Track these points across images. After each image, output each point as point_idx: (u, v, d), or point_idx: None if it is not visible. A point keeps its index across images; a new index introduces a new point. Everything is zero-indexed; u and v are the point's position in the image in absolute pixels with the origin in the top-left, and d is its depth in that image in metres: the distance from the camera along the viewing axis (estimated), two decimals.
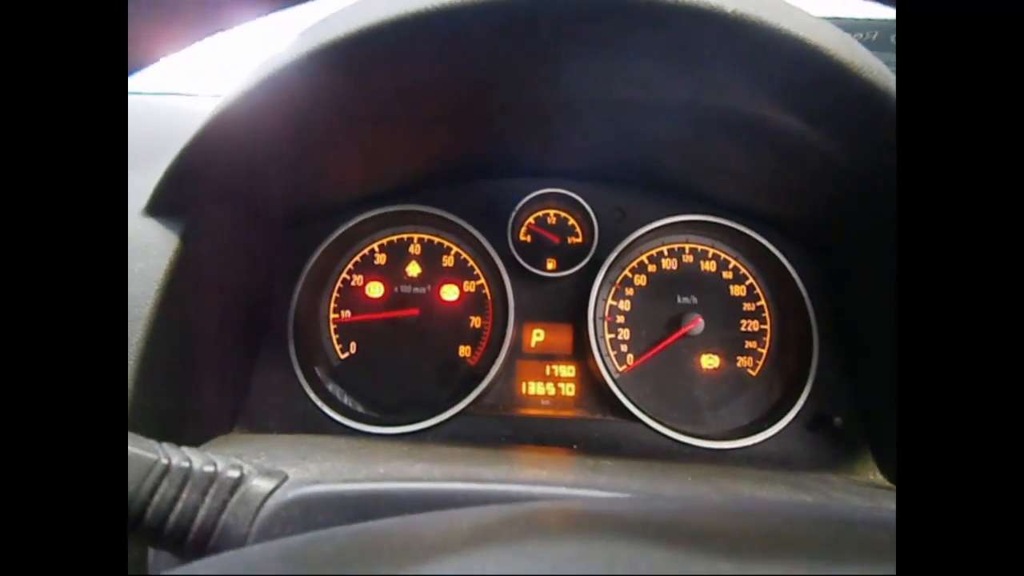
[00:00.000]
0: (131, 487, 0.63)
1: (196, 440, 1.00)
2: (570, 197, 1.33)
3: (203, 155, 0.93)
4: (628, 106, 1.02)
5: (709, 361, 1.33)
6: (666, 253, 1.38)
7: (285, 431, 1.18)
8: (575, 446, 1.15)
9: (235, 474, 0.67)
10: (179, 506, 0.64)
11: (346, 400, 1.29)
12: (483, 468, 0.74)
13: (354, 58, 0.81)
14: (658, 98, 0.97)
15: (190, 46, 0.59)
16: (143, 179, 0.96)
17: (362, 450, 0.87)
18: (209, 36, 0.58)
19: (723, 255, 1.39)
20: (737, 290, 1.37)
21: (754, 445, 1.18)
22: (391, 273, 1.37)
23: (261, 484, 0.68)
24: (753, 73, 0.84)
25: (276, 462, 0.75)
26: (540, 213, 1.40)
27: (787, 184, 1.17)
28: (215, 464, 0.67)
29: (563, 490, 0.66)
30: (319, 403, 1.21)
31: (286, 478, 0.69)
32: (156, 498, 0.63)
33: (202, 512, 0.65)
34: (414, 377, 1.32)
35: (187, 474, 0.65)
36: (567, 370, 1.34)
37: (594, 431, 1.22)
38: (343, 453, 0.85)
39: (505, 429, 1.22)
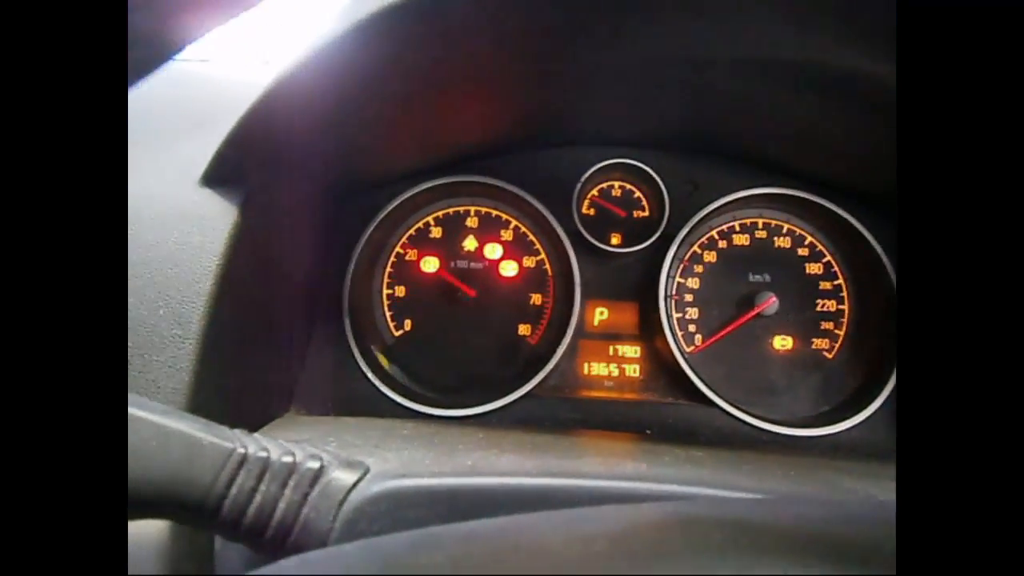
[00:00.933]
0: (207, 477, 0.58)
1: (257, 421, 0.96)
2: (638, 168, 1.26)
3: (261, 125, 0.88)
4: (703, 63, 0.94)
5: (782, 343, 1.26)
6: (738, 228, 1.30)
7: (342, 411, 1.13)
8: (649, 431, 1.09)
9: (315, 465, 0.62)
10: (258, 498, 0.59)
11: (403, 380, 1.24)
12: (575, 461, 0.69)
13: (410, 24, 0.75)
14: (736, 53, 0.88)
15: (237, 15, 0.54)
16: (194, 148, 0.91)
17: (436, 437, 0.82)
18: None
19: (799, 231, 1.30)
20: (813, 268, 1.29)
21: (839, 433, 1.11)
22: (447, 247, 1.31)
23: (343, 476, 0.63)
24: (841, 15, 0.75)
25: (350, 450, 0.70)
26: (604, 185, 1.32)
27: (875, 148, 1.07)
28: (294, 454, 0.62)
29: (673, 487, 0.60)
30: (377, 383, 1.17)
31: (368, 470, 0.65)
32: (234, 489, 0.59)
33: (282, 505, 0.60)
34: (472, 356, 1.27)
35: (265, 464, 0.61)
36: (632, 350, 1.28)
37: (667, 416, 1.16)
38: (417, 440, 0.80)
39: (572, 412, 1.16)
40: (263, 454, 0.61)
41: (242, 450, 0.60)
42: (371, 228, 1.25)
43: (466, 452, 0.73)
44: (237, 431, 0.63)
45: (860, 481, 0.75)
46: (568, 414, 1.16)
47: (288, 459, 0.62)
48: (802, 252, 1.29)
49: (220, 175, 0.90)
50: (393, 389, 1.17)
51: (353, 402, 1.16)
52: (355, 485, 0.62)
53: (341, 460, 0.66)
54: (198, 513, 0.59)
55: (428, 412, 1.14)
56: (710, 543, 0.39)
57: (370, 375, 1.17)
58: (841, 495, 0.67)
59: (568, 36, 0.88)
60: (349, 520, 0.60)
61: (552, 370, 1.20)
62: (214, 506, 0.58)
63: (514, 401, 1.15)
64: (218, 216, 0.88)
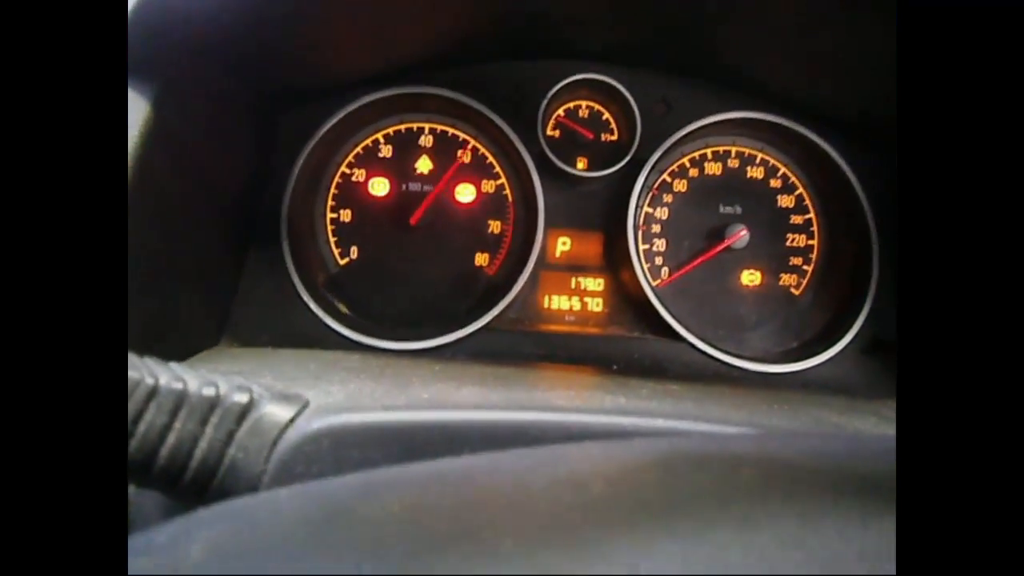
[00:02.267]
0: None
1: (179, 354, 0.84)
2: (608, 87, 1.15)
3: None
4: None
5: (750, 278, 1.21)
6: (710, 156, 1.23)
7: (280, 345, 1.03)
8: (615, 367, 1.02)
9: (242, 398, 0.53)
10: (171, 437, 0.50)
11: (349, 312, 1.14)
12: (545, 393, 0.61)
13: None
14: None
15: None
16: None
17: (387, 370, 0.73)
18: None
19: (772, 160, 1.23)
20: (785, 200, 1.23)
21: (807, 369, 1.07)
22: (398, 168, 1.19)
23: (276, 411, 0.54)
24: None
25: (287, 383, 0.60)
26: (571, 105, 1.21)
27: (869, 65, 0.98)
28: (216, 385, 0.52)
29: (659, 422, 0.53)
30: (319, 312, 1.06)
31: (307, 404, 0.55)
32: (141, 427, 0.49)
33: (203, 445, 0.50)
34: (425, 288, 1.18)
35: (181, 397, 0.50)
36: (595, 283, 1.21)
37: (634, 350, 1.09)
38: (365, 373, 0.71)
39: (534, 346, 1.09)
40: (177, 385, 0.50)
41: (151, 380, 0.49)
42: (312, 143, 1.12)
43: (421, 385, 0.64)
44: (146, 359, 0.52)
45: (843, 416, 0.70)
46: (529, 348, 1.08)
47: (209, 391, 0.51)
48: (774, 183, 1.23)
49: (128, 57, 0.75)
50: (338, 320, 1.06)
51: (293, 335, 1.05)
52: (291, 421, 0.53)
53: (274, 393, 0.56)
54: None
55: (377, 345, 1.05)
56: (736, 482, 0.31)
57: (312, 305, 1.06)
58: (831, 430, 0.61)
59: None
60: (284, 461, 0.51)
61: (511, 302, 1.12)
62: None
63: (471, 334, 1.07)
64: (129, 108, 0.74)
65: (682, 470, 0.34)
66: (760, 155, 1.23)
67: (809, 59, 1.03)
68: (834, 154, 1.16)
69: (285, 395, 0.56)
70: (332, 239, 1.19)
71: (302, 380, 0.66)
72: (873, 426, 0.69)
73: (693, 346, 1.08)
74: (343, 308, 1.15)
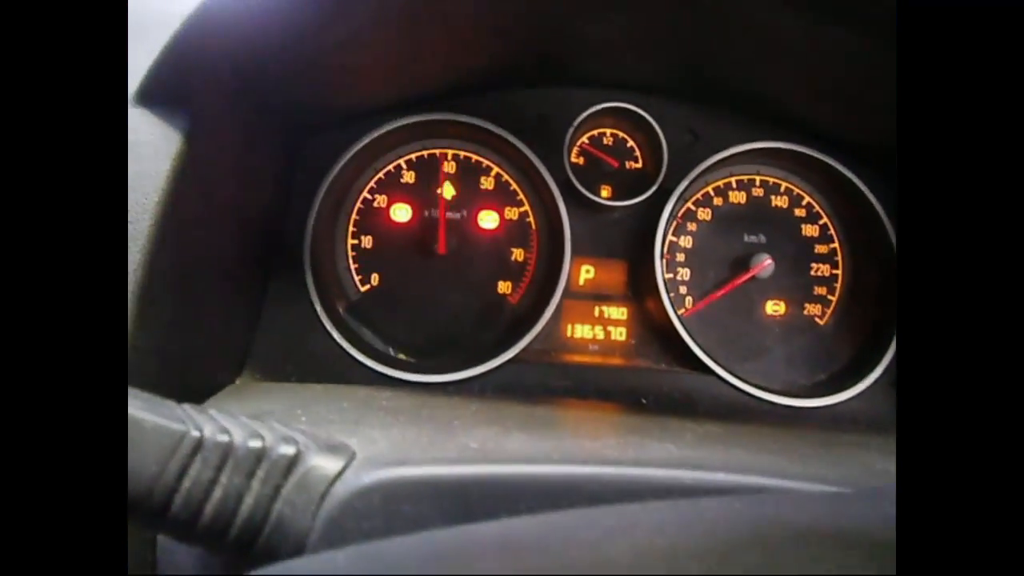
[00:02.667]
0: (152, 467, 0.46)
1: (203, 388, 0.83)
2: (632, 114, 1.14)
3: (208, 34, 0.72)
4: None
5: (774, 308, 1.19)
6: (735, 185, 1.22)
7: (304, 378, 1.01)
8: (644, 401, 1.01)
9: (289, 450, 0.51)
10: (218, 492, 0.48)
11: (372, 341, 1.12)
12: (594, 442, 0.59)
13: None
14: None
15: None
16: (133, 57, 0.75)
17: (423, 411, 0.71)
18: None
19: (797, 189, 1.22)
20: (809, 230, 1.22)
21: (837, 404, 1.06)
22: (421, 194, 1.18)
23: (324, 464, 0.52)
24: None
25: (326, 427, 0.59)
26: (595, 132, 1.21)
27: (886, 92, 0.98)
28: (262, 436, 0.50)
29: (720, 476, 0.51)
30: (344, 343, 1.04)
31: (354, 455, 0.53)
32: (187, 482, 0.47)
33: (249, 500, 0.48)
34: (446, 317, 1.16)
35: (227, 450, 0.49)
36: (619, 312, 1.19)
37: (663, 383, 1.07)
38: (403, 415, 0.69)
39: (561, 379, 1.07)
40: (223, 438, 0.49)
41: (196, 433, 0.48)
42: (336, 169, 1.11)
43: (465, 430, 0.62)
44: (187, 407, 0.50)
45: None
46: (557, 381, 1.06)
47: (255, 443, 0.50)
48: (799, 212, 1.22)
49: (159, 92, 0.74)
50: (363, 351, 1.04)
51: (316, 366, 1.03)
52: (340, 475, 0.51)
53: (320, 443, 0.54)
54: (141, 511, 0.47)
55: (403, 378, 1.03)
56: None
57: (336, 335, 1.04)
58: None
59: None
60: (333, 518, 0.49)
61: (539, 332, 1.10)
62: (162, 502, 0.46)
63: (498, 367, 1.05)
64: (158, 142, 0.72)
65: (780, 546, 0.33)
66: (784, 184, 1.23)
67: (833, 91, 1.03)
68: (859, 183, 1.15)
69: (331, 445, 0.54)
70: (353, 265, 1.17)
71: (340, 424, 0.64)
72: None
73: (722, 379, 1.06)
74: (367, 337, 1.13)
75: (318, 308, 1.05)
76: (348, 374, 1.03)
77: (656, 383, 1.07)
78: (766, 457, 0.59)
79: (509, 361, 1.05)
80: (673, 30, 0.99)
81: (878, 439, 0.83)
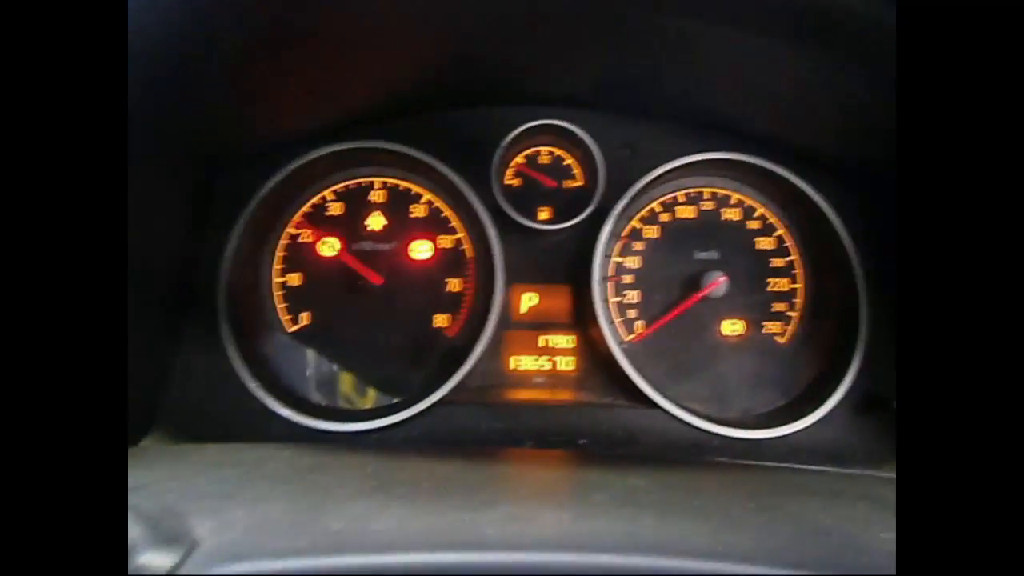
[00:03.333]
0: None
1: None
2: (568, 131, 1.08)
3: None
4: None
5: (731, 328, 1.12)
6: (682, 199, 1.15)
7: (217, 433, 0.93)
8: (583, 442, 0.93)
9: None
10: None
11: (294, 387, 1.05)
12: (480, 513, 0.52)
13: None
14: None
15: None
16: None
17: (314, 473, 0.65)
18: None
19: (748, 201, 1.16)
20: (764, 243, 1.15)
21: (794, 434, 0.98)
22: (349, 226, 1.11)
23: (152, 561, 0.45)
24: None
25: (189, 505, 0.52)
26: (531, 151, 1.14)
27: (837, 101, 0.92)
28: None
29: (605, 559, 0.44)
30: (260, 393, 0.97)
31: (193, 547, 0.46)
32: None
33: None
34: (380, 354, 1.09)
35: None
36: (565, 341, 1.12)
37: (603, 421, 1.00)
38: (286, 483, 0.62)
39: (495, 421, 0.99)
40: None
41: None
42: (254, 204, 1.04)
43: (339, 505, 0.55)
44: None
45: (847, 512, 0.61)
46: (490, 423, 0.99)
47: None
48: (752, 225, 1.15)
49: None
50: (281, 401, 0.97)
51: (231, 420, 0.96)
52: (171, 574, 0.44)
53: (158, 533, 0.48)
54: None
55: (323, 428, 0.95)
56: None
57: (250, 384, 0.97)
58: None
59: None
60: None
61: (473, 368, 1.03)
62: None
63: (425, 410, 0.98)
64: None
65: None
66: (736, 195, 1.16)
67: (777, 100, 0.97)
68: (811, 192, 1.09)
69: (170, 536, 0.48)
70: (281, 305, 1.10)
71: (211, 499, 0.57)
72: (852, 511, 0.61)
73: (667, 412, 0.99)
74: (289, 382, 1.06)
75: (231, 355, 0.98)
76: (264, 427, 0.96)
77: (597, 421, 1.00)
78: (680, 525, 0.52)
79: (439, 403, 0.98)
80: (604, 46, 0.93)
81: (820, 478, 0.76)
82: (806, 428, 0.98)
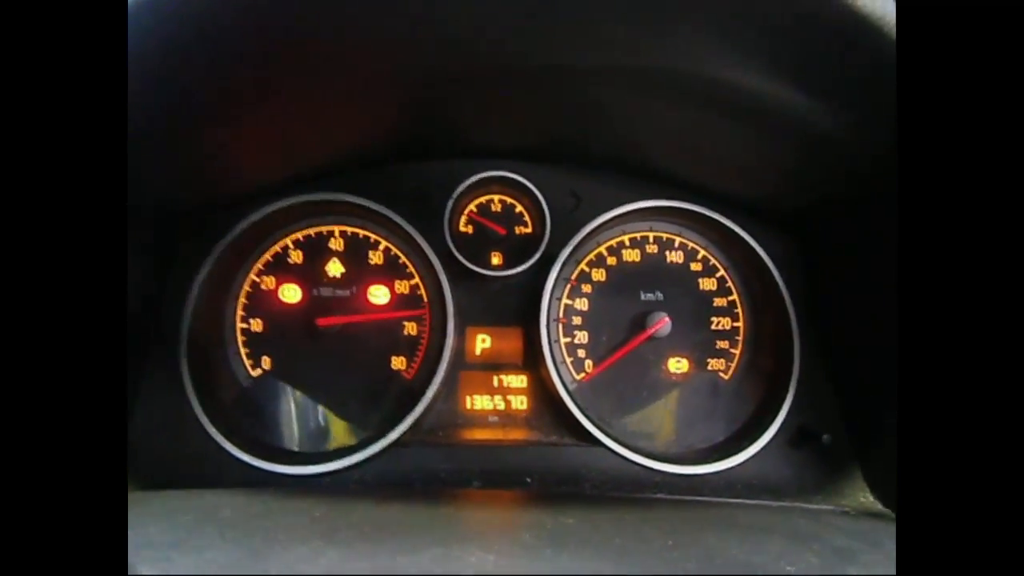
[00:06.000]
0: None
1: None
2: (517, 181, 1.14)
3: None
4: (589, 73, 0.84)
5: (677, 365, 1.18)
6: (627, 243, 1.21)
7: (177, 478, 0.96)
8: (529, 480, 0.98)
9: None
10: None
11: (253, 431, 1.08)
12: (407, 556, 0.56)
13: None
14: (624, 64, 0.78)
15: None
16: None
17: (261, 520, 0.68)
18: None
19: (691, 244, 1.22)
20: (707, 283, 1.21)
21: (732, 468, 1.03)
22: (309, 273, 1.16)
23: None
24: (735, 25, 0.67)
25: (137, 553, 0.55)
26: (483, 199, 1.20)
27: (764, 158, 1.00)
28: None
29: None
30: (219, 438, 1.00)
31: None
32: None
33: None
34: (340, 396, 1.13)
35: None
36: (518, 380, 1.17)
37: (551, 460, 1.04)
38: (234, 530, 0.66)
39: (446, 462, 1.03)
40: None
41: None
42: (217, 253, 1.09)
43: (280, 550, 0.59)
44: None
45: (744, 538, 0.66)
46: (441, 464, 1.02)
47: None
48: (695, 267, 1.22)
49: None
50: (240, 446, 1.00)
51: (192, 464, 0.99)
52: None
53: None
54: None
55: (281, 472, 0.99)
56: None
57: (210, 429, 1.00)
58: None
59: (431, 39, 0.76)
60: None
61: (428, 408, 1.07)
62: None
63: (381, 451, 1.01)
64: None
65: None
66: (679, 239, 1.23)
67: (717, 159, 1.04)
68: (746, 236, 1.15)
69: None
70: (244, 350, 1.14)
71: (158, 548, 0.61)
72: (774, 546, 0.65)
73: (611, 450, 1.04)
74: (250, 426, 1.09)
75: (192, 400, 1.02)
76: (224, 472, 0.99)
77: (545, 459, 1.04)
78: (590, 560, 0.57)
79: (394, 444, 1.02)
80: (541, 108, 1.00)
81: (753, 511, 0.81)
82: (743, 463, 1.03)
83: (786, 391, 1.08)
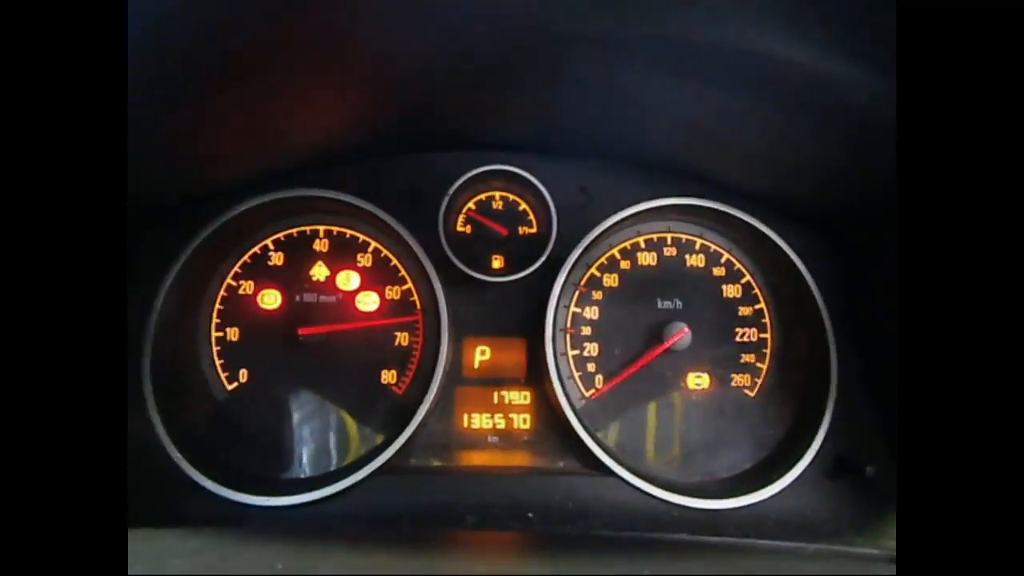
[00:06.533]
0: None
1: None
2: (521, 176, 1.03)
3: None
4: (605, 45, 0.72)
5: (696, 381, 1.06)
6: (643, 245, 1.09)
7: (137, 509, 0.85)
8: (531, 515, 0.86)
9: None
10: None
11: (231, 452, 0.98)
12: None
13: None
14: (641, 33, 0.66)
15: None
16: None
17: (223, 565, 0.57)
18: None
19: (713, 246, 1.10)
20: (731, 290, 1.09)
21: (761, 502, 0.91)
22: (291, 277, 1.05)
23: None
24: None
25: None
26: (483, 196, 1.09)
27: (794, 147, 0.89)
28: None
29: None
30: (184, 465, 0.89)
31: None
32: None
33: None
34: (324, 413, 1.02)
35: None
36: (520, 397, 1.06)
37: (555, 491, 0.92)
38: None
39: (437, 493, 0.91)
40: None
41: None
42: (187, 253, 0.98)
43: None
44: None
45: None
46: (431, 496, 0.91)
47: None
48: (718, 272, 1.10)
49: None
50: (207, 472, 0.90)
51: (151, 496, 0.88)
52: None
53: None
54: None
55: (250, 503, 0.88)
56: None
57: (174, 454, 0.90)
58: None
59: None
60: None
61: (420, 427, 0.96)
62: None
63: (366, 478, 0.90)
64: None
65: None
66: (700, 240, 1.11)
67: (743, 147, 0.92)
68: (776, 238, 1.03)
69: None
70: (219, 362, 1.04)
71: None
72: None
73: (624, 480, 0.92)
74: (220, 450, 0.98)
75: (155, 419, 0.91)
76: (190, 503, 0.88)
77: (548, 491, 0.92)
78: None
79: (381, 469, 0.91)
80: (552, 93, 0.89)
81: (787, 557, 0.69)
82: (773, 497, 0.91)
83: (821, 414, 0.96)
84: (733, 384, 1.07)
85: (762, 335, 1.08)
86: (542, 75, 0.83)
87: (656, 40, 0.68)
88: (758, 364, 1.07)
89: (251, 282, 1.05)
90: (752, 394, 1.06)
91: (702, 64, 0.74)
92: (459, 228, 1.07)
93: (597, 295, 1.07)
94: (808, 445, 0.94)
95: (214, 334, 1.04)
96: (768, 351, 1.08)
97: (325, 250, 1.06)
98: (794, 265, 1.03)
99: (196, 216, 0.99)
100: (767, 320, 1.09)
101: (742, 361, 1.07)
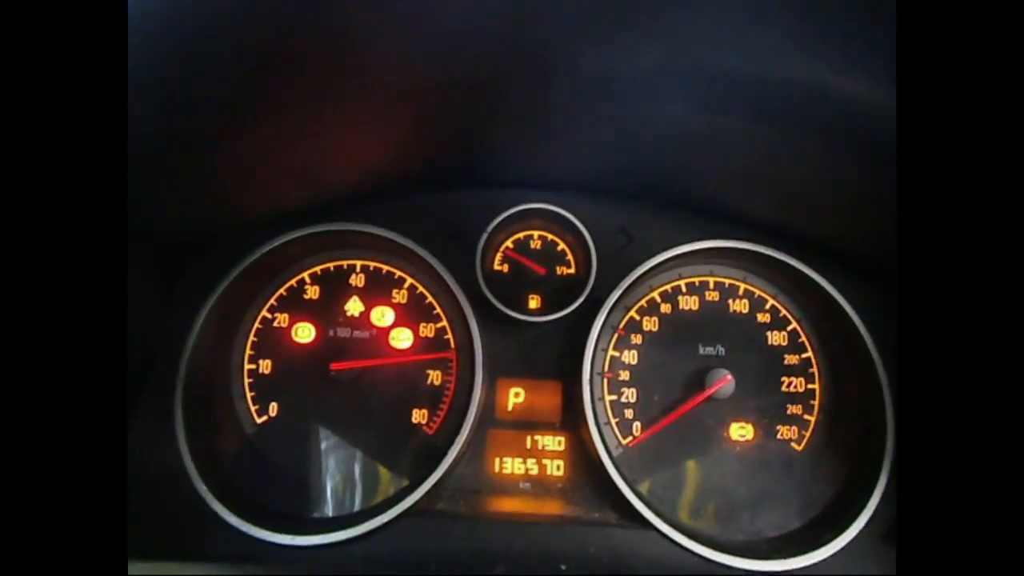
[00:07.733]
0: None
1: None
2: (560, 215, 1.01)
3: None
4: (645, 84, 0.71)
5: (740, 432, 1.01)
6: (684, 289, 1.06)
7: (157, 540, 0.84)
8: (564, 567, 0.81)
9: None
10: None
11: (257, 486, 0.95)
12: None
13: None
14: (687, 67, 0.65)
15: None
16: None
17: None
18: None
19: (758, 291, 1.06)
20: (776, 337, 1.05)
21: (812, 566, 0.84)
22: (325, 311, 1.04)
23: None
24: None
25: None
26: (521, 235, 1.07)
27: (844, 189, 0.85)
28: None
29: None
30: (209, 498, 0.87)
31: None
32: None
33: None
34: (352, 450, 0.99)
35: None
36: (554, 442, 1.02)
37: (590, 542, 0.88)
38: None
39: (467, 539, 0.87)
40: None
41: None
42: (225, 285, 0.99)
43: None
44: None
45: None
46: (460, 542, 0.87)
47: None
48: (762, 318, 1.06)
49: None
50: (232, 506, 0.87)
51: (176, 530, 0.86)
52: None
53: None
54: None
55: (277, 541, 0.85)
56: None
57: (200, 486, 0.88)
58: None
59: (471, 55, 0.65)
60: None
61: (450, 469, 0.93)
62: None
63: (392, 520, 0.87)
64: None
65: None
66: (743, 285, 1.07)
67: (783, 190, 0.89)
68: (826, 285, 0.99)
69: None
70: (250, 394, 1.02)
71: None
72: None
73: (664, 535, 0.87)
74: (246, 486, 0.96)
75: (183, 451, 0.90)
76: (213, 537, 0.86)
77: (583, 542, 0.87)
78: None
79: (409, 511, 0.88)
80: (608, 136, 0.88)
81: None
82: (825, 560, 0.85)
83: (877, 472, 0.90)
84: (779, 437, 1.01)
85: (810, 385, 1.03)
86: (583, 110, 0.82)
87: (703, 76, 0.66)
88: (806, 416, 1.02)
89: (286, 315, 1.04)
90: (799, 448, 1.01)
91: (748, 102, 0.72)
92: (496, 266, 1.05)
93: (636, 339, 1.04)
94: (863, 506, 0.87)
95: (247, 366, 1.03)
96: (816, 403, 1.02)
97: (361, 285, 1.05)
98: (846, 314, 0.99)
99: (234, 248, 1.00)
100: (815, 370, 1.04)
101: (788, 412, 1.02)
